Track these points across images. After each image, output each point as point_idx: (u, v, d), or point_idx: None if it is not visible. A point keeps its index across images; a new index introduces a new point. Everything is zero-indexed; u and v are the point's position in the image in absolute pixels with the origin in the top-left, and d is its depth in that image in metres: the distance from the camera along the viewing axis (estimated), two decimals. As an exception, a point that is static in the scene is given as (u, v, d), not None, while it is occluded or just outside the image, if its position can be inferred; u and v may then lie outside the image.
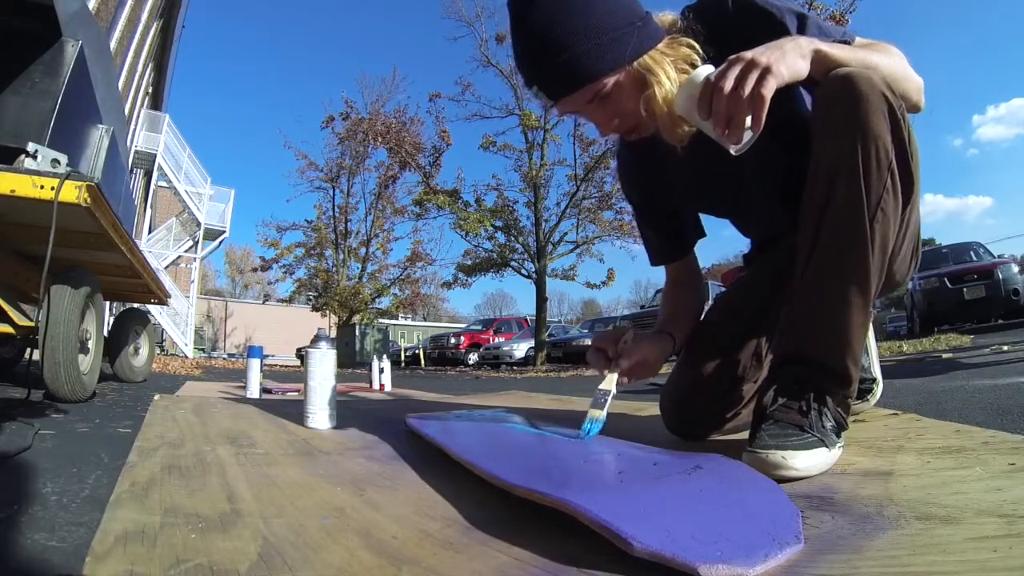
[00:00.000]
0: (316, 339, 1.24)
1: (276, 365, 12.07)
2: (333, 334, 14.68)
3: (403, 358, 15.85)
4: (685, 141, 0.88)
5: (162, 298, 3.50)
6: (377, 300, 16.51)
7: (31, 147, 1.56)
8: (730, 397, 1.04)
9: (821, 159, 0.79)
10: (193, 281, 15.69)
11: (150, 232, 15.17)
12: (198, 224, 15.10)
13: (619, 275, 12.93)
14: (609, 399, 0.92)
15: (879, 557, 0.47)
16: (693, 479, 0.64)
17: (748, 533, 0.50)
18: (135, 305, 4.21)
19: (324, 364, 1.23)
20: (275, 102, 70.13)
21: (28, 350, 2.39)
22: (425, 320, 37.60)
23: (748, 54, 0.72)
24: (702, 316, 1.16)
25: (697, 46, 0.86)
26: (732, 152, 0.75)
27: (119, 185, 2.67)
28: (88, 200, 1.56)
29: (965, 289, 7.54)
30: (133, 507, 0.64)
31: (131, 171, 8.37)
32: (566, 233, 12.37)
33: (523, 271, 12.44)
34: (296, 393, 2.73)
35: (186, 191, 14.84)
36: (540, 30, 0.79)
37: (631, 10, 0.82)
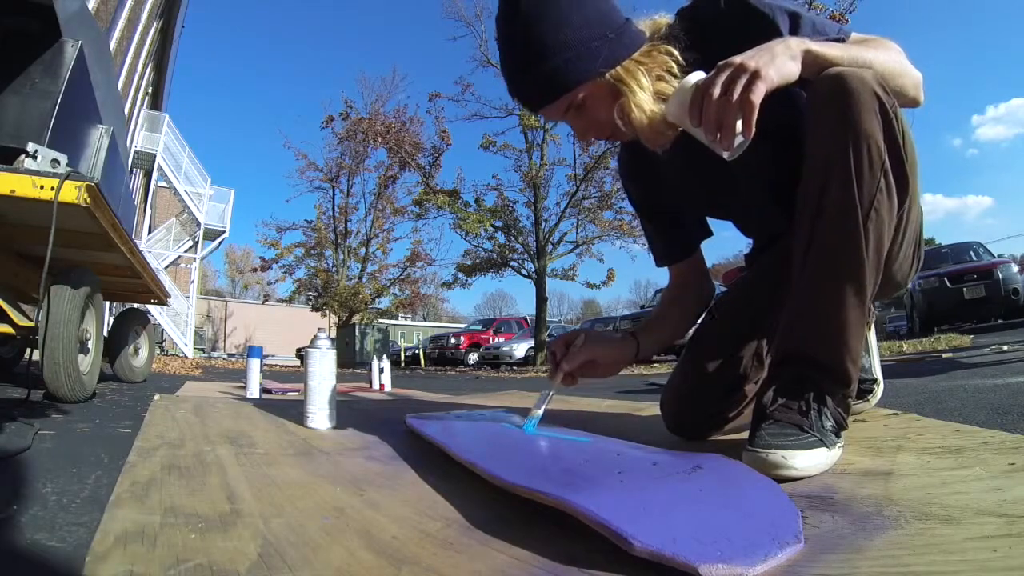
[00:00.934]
0: (316, 339, 1.24)
1: (276, 365, 12.08)
2: (333, 334, 14.69)
3: (403, 358, 15.84)
4: (667, 146, 0.89)
5: (162, 298, 3.50)
6: (377, 300, 16.52)
7: (31, 147, 1.56)
8: (731, 398, 1.04)
9: (813, 160, 0.79)
10: (193, 281, 15.70)
11: (150, 232, 15.16)
12: (198, 224, 15.10)
13: (619, 275, 12.94)
14: (548, 397, 0.99)
15: (879, 557, 0.47)
16: (693, 479, 0.64)
17: (748, 533, 0.50)
18: (135, 305, 4.22)
19: (324, 364, 1.23)
20: (275, 102, 70.27)
21: (28, 350, 2.39)
22: (425, 320, 37.60)
23: (737, 59, 0.72)
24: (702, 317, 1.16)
25: (676, 53, 0.86)
26: (725, 157, 0.75)
27: (119, 185, 2.67)
28: (88, 200, 1.56)
29: (965, 289, 7.53)
30: (133, 507, 0.64)
31: (131, 171, 8.38)
32: (566, 233, 12.40)
33: (523, 271, 12.45)
34: (296, 393, 2.73)
35: (186, 191, 14.85)
36: (519, 44, 0.84)
37: (605, 22, 0.83)
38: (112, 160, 2.42)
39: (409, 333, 31.13)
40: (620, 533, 0.48)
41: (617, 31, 0.84)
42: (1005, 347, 3.68)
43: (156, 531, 0.56)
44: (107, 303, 4.14)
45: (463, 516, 0.64)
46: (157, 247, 14.70)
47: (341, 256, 16.44)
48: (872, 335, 1.22)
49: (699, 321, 1.16)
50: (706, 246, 1.20)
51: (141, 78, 12.08)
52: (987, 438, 0.85)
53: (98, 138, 2.30)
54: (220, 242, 16.42)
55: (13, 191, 1.48)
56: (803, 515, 0.58)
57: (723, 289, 1.33)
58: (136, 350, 3.16)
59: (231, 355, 25.14)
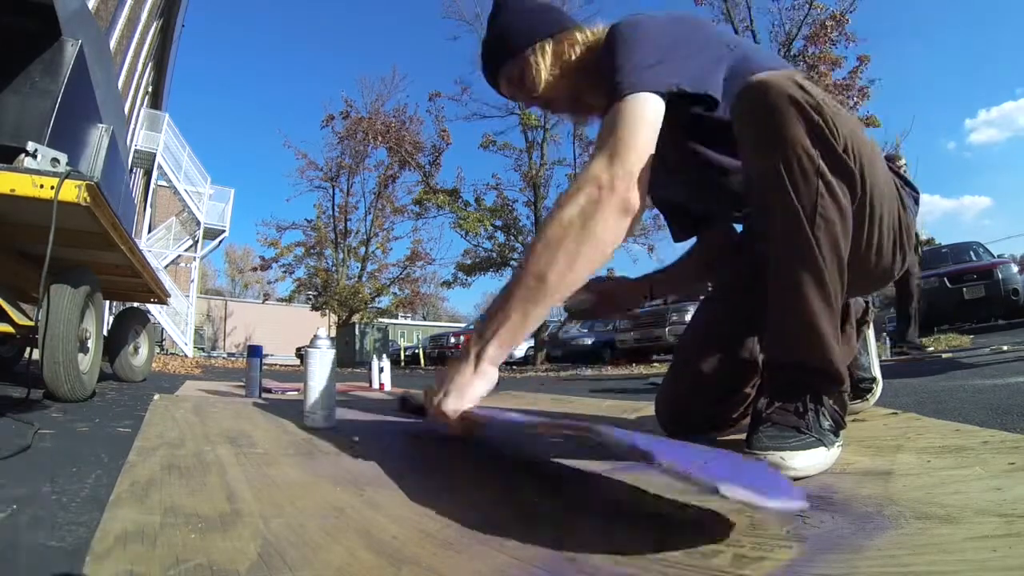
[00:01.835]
0: (316, 339, 1.24)
1: (276, 365, 12.08)
2: (333, 333, 14.69)
3: (403, 357, 15.84)
4: (587, 123, 1.10)
5: (162, 297, 3.49)
6: (377, 299, 16.51)
7: (31, 146, 1.55)
8: (726, 398, 1.04)
9: (751, 180, 0.80)
10: (193, 280, 15.69)
11: (150, 231, 15.15)
12: (198, 223, 15.09)
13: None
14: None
15: (879, 557, 0.47)
16: (707, 451, 0.67)
17: (762, 484, 0.52)
18: (135, 304, 4.21)
19: (324, 364, 1.23)
20: (275, 102, 70.17)
21: (28, 349, 2.39)
22: (425, 319, 37.59)
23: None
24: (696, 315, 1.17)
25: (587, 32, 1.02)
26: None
27: (119, 184, 2.66)
28: (88, 199, 1.56)
29: (965, 289, 7.52)
30: (133, 507, 0.64)
31: (131, 170, 8.36)
32: (566, 233, 12.37)
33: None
34: (296, 393, 2.73)
35: (186, 190, 14.83)
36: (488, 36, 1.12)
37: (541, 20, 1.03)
38: (112, 159, 2.41)
39: (409, 332, 31.12)
40: (640, 447, 0.50)
41: (547, 23, 1.03)
42: (1005, 347, 3.68)
43: (156, 531, 0.56)
44: (107, 302, 4.14)
45: (463, 516, 0.64)
46: (157, 246, 14.69)
47: (341, 255, 16.43)
48: (871, 334, 1.22)
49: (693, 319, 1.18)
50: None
51: (141, 77, 12.07)
52: (987, 438, 0.85)
53: (98, 137, 2.30)
54: (220, 241, 16.40)
55: (13, 190, 1.47)
56: (803, 515, 0.58)
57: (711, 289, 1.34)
58: (136, 349, 3.16)
59: (231, 354, 25.14)
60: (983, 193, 67.48)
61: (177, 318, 14.49)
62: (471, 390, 0.83)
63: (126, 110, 8.38)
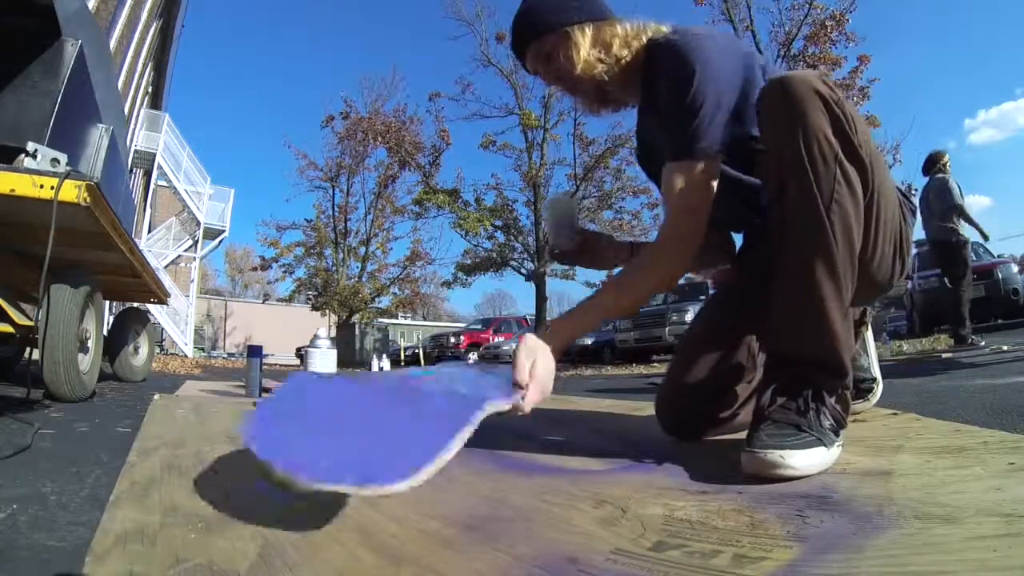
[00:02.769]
0: (316, 339, 1.24)
1: (276, 365, 12.07)
2: (333, 333, 14.69)
3: (403, 357, 15.84)
4: (599, 114, 1.09)
5: (162, 297, 3.49)
6: (377, 299, 16.50)
7: (31, 146, 1.55)
8: (725, 398, 1.04)
9: (770, 162, 0.81)
10: (193, 280, 15.68)
11: (150, 231, 15.15)
12: (198, 223, 15.09)
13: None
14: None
15: (879, 557, 0.47)
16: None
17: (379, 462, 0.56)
18: (135, 304, 4.21)
19: (324, 364, 1.23)
20: (275, 102, 70.08)
21: (28, 349, 2.39)
22: (425, 319, 37.55)
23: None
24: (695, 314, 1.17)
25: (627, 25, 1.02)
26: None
27: (119, 184, 2.67)
28: (88, 199, 1.56)
29: (965, 289, 7.51)
30: (133, 507, 0.64)
31: (131, 170, 8.38)
32: (566, 233, 12.38)
33: (523, 271, 12.44)
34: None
35: (186, 190, 14.82)
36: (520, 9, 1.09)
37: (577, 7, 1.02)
38: (112, 159, 2.41)
39: (409, 332, 31.07)
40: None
41: (593, 4, 1.02)
42: (1005, 347, 3.69)
43: (156, 531, 0.56)
44: (107, 302, 4.14)
45: (463, 516, 0.64)
46: (157, 246, 14.68)
47: (341, 255, 16.42)
48: (869, 335, 1.22)
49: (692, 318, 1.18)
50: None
51: (141, 78, 12.07)
52: (987, 438, 0.85)
53: (98, 137, 2.30)
54: (220, 241, 16.39)
55: (13, 190, 1.47)
56: (803, 515, 0.58)
57: (714, 291, 1.33)
58: (136, 349, 3.16)
59: (231, 354, 25.12)
60: (983, 193, 67.45)
61: (177, 318, 14.48)
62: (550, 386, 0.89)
63: (126, 110, 8.37)
